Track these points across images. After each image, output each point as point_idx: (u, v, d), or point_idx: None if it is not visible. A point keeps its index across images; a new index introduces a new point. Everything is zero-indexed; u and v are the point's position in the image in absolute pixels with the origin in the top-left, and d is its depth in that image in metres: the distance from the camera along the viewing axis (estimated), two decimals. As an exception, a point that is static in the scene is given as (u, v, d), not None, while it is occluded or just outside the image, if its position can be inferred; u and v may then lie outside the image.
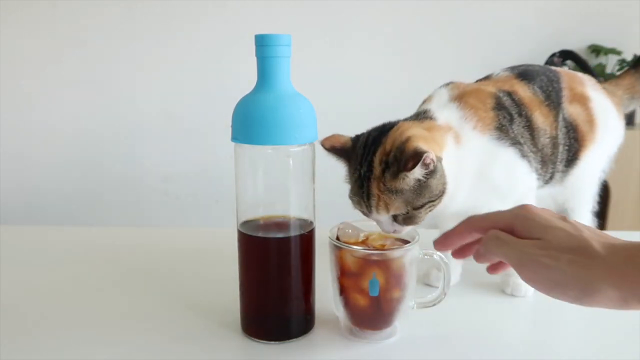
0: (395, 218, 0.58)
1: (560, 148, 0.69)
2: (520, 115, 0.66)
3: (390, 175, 0.56)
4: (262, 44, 0.53)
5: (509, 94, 0.68)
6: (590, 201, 0.74)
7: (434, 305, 0.59)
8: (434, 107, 0.64)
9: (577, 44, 2.05)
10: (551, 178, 0.70)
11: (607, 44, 2.05)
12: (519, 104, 0.67)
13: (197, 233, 0.99)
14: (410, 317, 0.60)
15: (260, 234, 0.58)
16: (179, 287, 0.73)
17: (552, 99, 0.69)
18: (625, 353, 0.57)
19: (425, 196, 0.57)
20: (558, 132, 0.69)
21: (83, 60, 2.12)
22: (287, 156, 0.55)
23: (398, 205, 0.57)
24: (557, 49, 2.01)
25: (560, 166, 0.70)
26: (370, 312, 0.57)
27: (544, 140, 0.68)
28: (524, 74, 0.71)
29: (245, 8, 2.07)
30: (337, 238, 0.58)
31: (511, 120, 0.66)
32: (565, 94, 0.70)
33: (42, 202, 2.21)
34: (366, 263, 0.56)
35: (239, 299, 0.59)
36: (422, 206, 0.58)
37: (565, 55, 1.95)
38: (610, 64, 2.02)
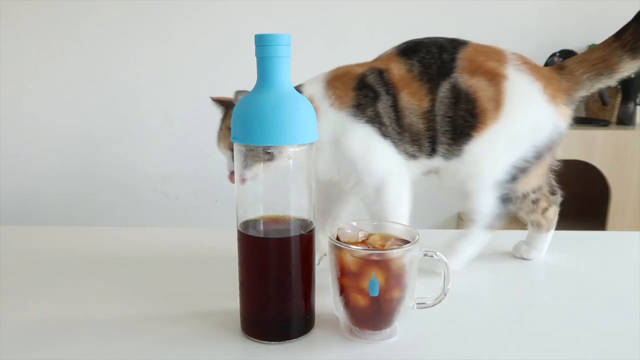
0: None
1: (439, 119, 0.70)
2: (387, 93, 0.71)
3: None
4: (262, 44, 0.53)
5: (381, 73, 0.72)
6: (493, 187, 0.71)
7: (434, 305, 0.59)
8: (307, 85, 0.74)
9: (577, 44, 2.05)
10: (434, 150, 0.72)
11: (607, 44, 2.04)
12: (387, 83, 0.71)
13: (197, 233, 0.99)
14: (410, 317, 0.60)
15: (260, 234, 0.58)
16: (178, 287, 0.73)
17: (432, 71, 0.70)
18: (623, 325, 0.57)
19: None
20: (436, 103, 0.70)
21: (82, 61, 2.12)
22: (287, 156, 0.56)
23: None
24: (557, 49, 2.01)
25: (444, 138, 0.71)
26: (370, 312, 0.57)
27: (411, 119, 0.71)
28: (405, 50, 0.73)
29: (245, 8, 2.07)
30: (337, 238, 0.58)
31: (375, 98, 0.71)
32: (460, 64, 0.70)
33: (42, 204, 2.22)
34: (366, 263, 0.56)
35: (239, 299, 0.59)
36: None
37: (566, 55, 1.96)
38: (610, 64, 2.02)
